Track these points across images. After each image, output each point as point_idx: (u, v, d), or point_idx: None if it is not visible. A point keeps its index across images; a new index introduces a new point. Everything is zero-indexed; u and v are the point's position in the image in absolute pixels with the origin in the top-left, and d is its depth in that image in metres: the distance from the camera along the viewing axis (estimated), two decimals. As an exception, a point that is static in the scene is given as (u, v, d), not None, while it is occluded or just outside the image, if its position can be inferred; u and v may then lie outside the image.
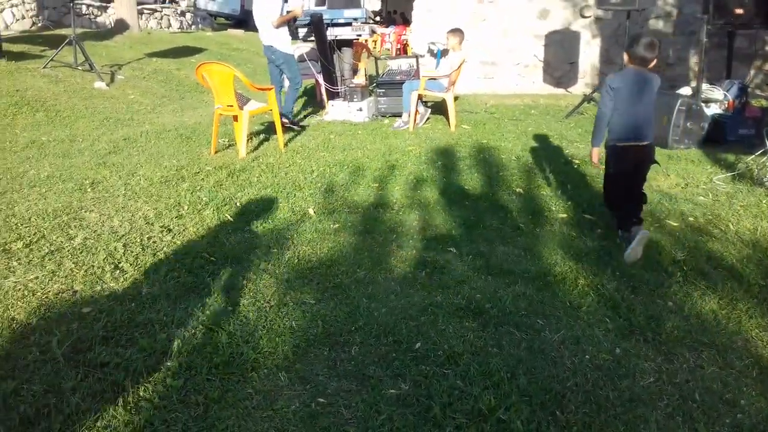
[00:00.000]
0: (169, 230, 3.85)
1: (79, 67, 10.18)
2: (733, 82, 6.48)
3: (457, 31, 7.66)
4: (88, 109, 8.19)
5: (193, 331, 2.64)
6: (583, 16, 10.31)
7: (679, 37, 9.94)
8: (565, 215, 4.41)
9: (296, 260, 3.47)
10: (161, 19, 18.66)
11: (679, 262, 3.63)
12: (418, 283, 3.25)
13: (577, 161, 5.73)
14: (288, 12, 7.26)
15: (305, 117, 8.43)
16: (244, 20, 22.22)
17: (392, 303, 2.99)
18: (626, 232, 3.85)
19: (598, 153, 4.07)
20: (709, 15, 6.18)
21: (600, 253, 3.74)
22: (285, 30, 7.18)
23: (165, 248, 3.55)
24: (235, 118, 6.25)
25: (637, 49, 3.79)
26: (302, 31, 7.95)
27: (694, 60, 9.71)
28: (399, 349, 2.57)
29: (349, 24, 7.95)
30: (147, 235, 3.72)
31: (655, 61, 3.82)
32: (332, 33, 7.98)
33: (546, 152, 6.11)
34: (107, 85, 9.71)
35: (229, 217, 4.19)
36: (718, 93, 6.32)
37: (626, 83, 3.86)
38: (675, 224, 4.25)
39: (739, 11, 5.89)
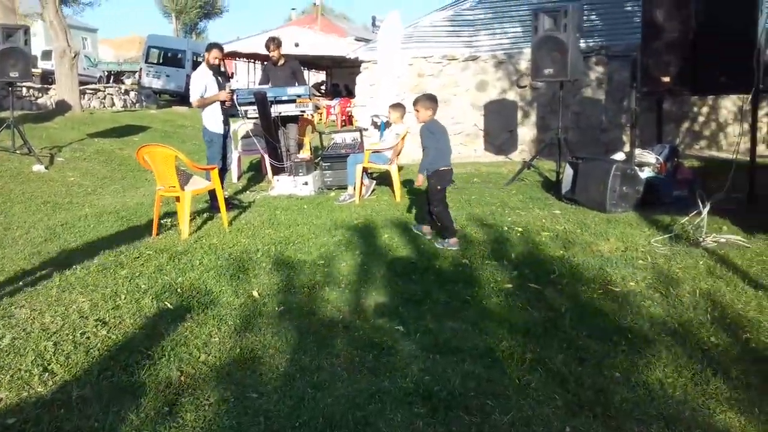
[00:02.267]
0: (105, 323, 3.69)
1: (17, 151, 9.98)
2: (664, 145, 6.77)
3: (398, 106, 7.85)
4: (25, 194, 7.99)
5: (125, 437, 2.49)
6: (519, 87, 10.72)
7: (611, 104, 10.40)
8: (510, 285, 4.42)
9: (238, 350, 3.35)
10: (104, 98, 18.63)
11: (624, 330, 3.65)
12: (365, 368, 3.17)
13: (519, 229, 5.82)
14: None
15: (251, 193, 8.38)
16: (188, 96, 22.38)
17: (338, 391, 2.90)
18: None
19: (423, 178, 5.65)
20: (637, 83, 6.48)
21: (546, 324, 3.74)
22: (211, 110, 7.14)
23: (99, 344, 3.38)
24: (178, 198, 6.16)
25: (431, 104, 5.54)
26: (246, 109, 8.00)
27: (626, 124, 10.13)
28: (345, 445, 2.47)
29: (293, 101, 8.05)
30: (80, 331, 3.55)
31: None
32: (276, 110, 8.05)
33: (489, 221, 6.19)
34: (46, 167, 9.52)
35: (168, 305, 4.05)
36: (650, 156, 6.58)
37: (438, 128, 5.56)
38: (617, 290, 4.30)
39: (666, 78, 6.20)
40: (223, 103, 7.20)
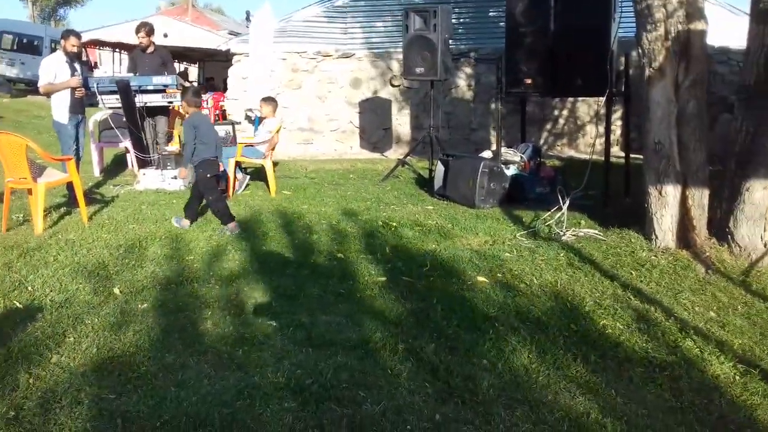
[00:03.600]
0: (-61, 326, 3.31)
1: None
2: (527, 144, 7.11)
3: (270, 100, 7.71)
4: None
5: (-40, 449, 2.23)
6: (393, 86, 10.87)
7: (479, 104, 10.81)
8: (384, 278, 4.45)
9: (95, 349, 3.12)
10: (-54, 84, 16.87)
11: (491, 319, 3.77)
12: (234, 364, 3.06)
13: (394, 224, 5.88)
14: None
15: (114, 187, 7.88)
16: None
17: (204, 389, 2.76)
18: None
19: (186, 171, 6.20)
20: (502, 84, 6.76)
21: (418, 315, 3.80)
22: (59, 97, 6.66)
23: (-69, 350, 3.03)
24: (30, 191, 5.68)
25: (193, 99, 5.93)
26: (107, 98, 7.52)
27: (493, 125, 10.56)
28: (210, 443, 2.36)
29: (160, 91, 7.68)
30: None
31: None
32: (141, 99, 7.64)
33: (364, 216, 6.22)
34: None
35: (18, 304, 3.72)
36: (515, 155, 6.89)
37: (202, 121, 5.83)
38: (485, 281, 4.45)
39: (528, 81, 6.51)
40: (73, 91, 6.71)
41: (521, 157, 6.88)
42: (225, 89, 22.80)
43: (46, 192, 5.77)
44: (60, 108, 6.61)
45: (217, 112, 19.52)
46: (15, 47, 23.70)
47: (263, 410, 2.61)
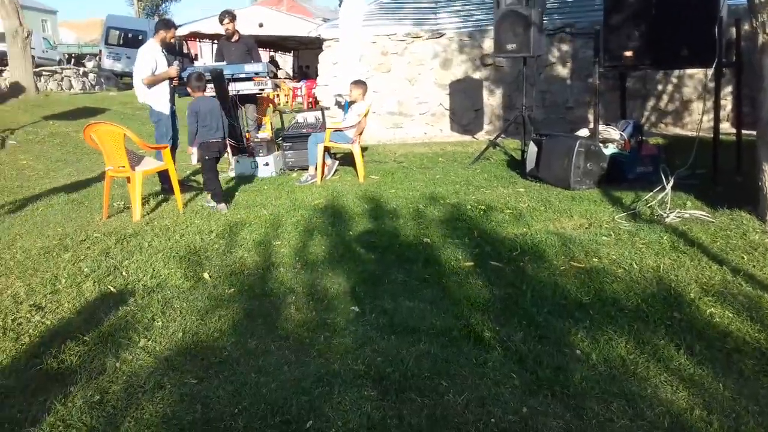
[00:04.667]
0: (40, 308, 3.47)
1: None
2: (628, 121, 6.68)
3: (359, 83, 7.64)
4: (-30, 177, 7.64)
5: (48, 429, 2.29)
6: (485, 65, 10.57)
7: (576, 81, 10.31)
8: (471, 263, 4.29)
9: (181, 334, 3.17)
10: (62, 80, 18.06)
11: (585, 306, 3.55)
12: (315, 350, 3.01)
13: (482, 207, 5.69)
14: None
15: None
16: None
17: (284, 376, 2.73)
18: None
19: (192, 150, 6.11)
20: (600, 58, 6.38)
21: (507, 302, 3.62)
22: (160, 88, 6.85)
23: (31, 330, 3.17)
24: (129, 179, 5.91)
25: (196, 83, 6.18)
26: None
27: (591, 101, 10.05)
28: (288, 431, 2.31)
29: (250, 78, 7.81)
30: (12, 317, 3.33)
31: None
32: (234, 88, 7.80)
33: (453, 199, 6.06)
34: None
35: (112, 288, 3.84)
36: (614, 133, 6.48)
37: (204, 105, 6.07)
38: (580, 266, 4.20)
39: (628, 54, 6.10)
40: (171, 80, 6.91)
41: (621, 135, 6.46)
42: (316, 76, 23.24)
43: (145, 180, 5.98)
44: (162, 98, 6.80)
45: (310, 99, 19.88)
46: (121, 42, 24.97)
47: (341, 398, 2.54)
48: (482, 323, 3.32)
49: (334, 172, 7.80)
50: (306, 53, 30.87)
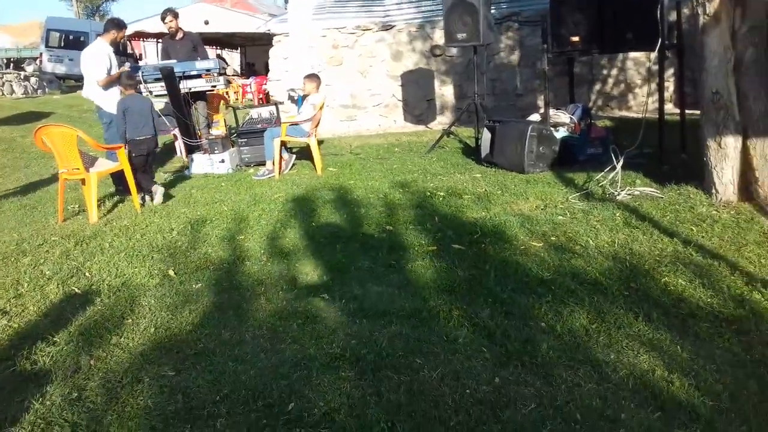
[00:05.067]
0: (5, 313, 3.42)
1: None
2: (577, 105, 6.88)
3: (313, 76, 7.66)
4: None
5: (30, 427, 2.29)
6: (435, 56, 10.69)
7: (524, 68, 10.53)
8: (435, 248, 4.39)
9: (153, 329, 3.17)
10: (2, 85, 17.48)
11: (547, 282, 3.68)
12: (289, 337, 3.06)
13: (441, 193, 5.80)
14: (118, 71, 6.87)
15: (164, 174, 8.02)
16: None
17: (261, 363, 2.77)
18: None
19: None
20: (548, 45, 6.55)
21: (471, 282, 3.73)
22: (113, 89, 6.76)
23: (-1, 334, 3.13)
24: (83, 181, 5.81)
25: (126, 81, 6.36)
26: (152, 87, 7.62)
27: (540, 88, 10.28)
28: (270, 414, 2.36)
29: (200, 76, 7.74)
30: (-24, 322, 3.28)
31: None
32: (186, 85, 7.72)
33: (412, 187, 6.15)
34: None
35: (76, 289, 3.80)
36: (564, 117, 6.68)
37: (132, 104, 6.12)
38: (539, 245, 4.34)
39: (575, 39, 6.28)
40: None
41: (571, 119, 6.67)
42: (267, 73, 23.07)
43: (99, 181, 5.89)
44: (111, 99, 6.69)
45: (260, 96, 19.74)
46: (62, 44, 24.23)
47: (320, 380, 2.60)
48: (450, 303, 3.42)
49: (292, 166, 7.80)
50: (253, 49, 30.56)
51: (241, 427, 2.29)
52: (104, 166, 5.95)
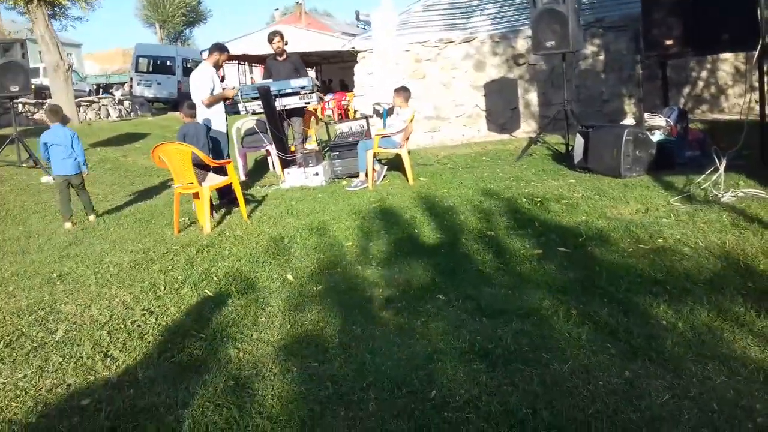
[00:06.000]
0: (151, 312, 3.74)
1: (24, 165, 10.00)
2: (672, 108, 6.82)
3: (402, 90, 7.88)
4: (38, 204, 8.01)
5: (200, 409, 2.54)
6: (518, 64, 10.76)
7: (610, 74, 10.45)
8: (540, 251, 4.48)
9: (288, 326, 3.41)
10: (99, 109, 18.62)
11: (661, 282, 3.71)
12: (416, 333, 3.23)
13: (538, 199, 5.87)
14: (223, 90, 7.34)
15: (261, 188, 8.40)
16: (181, 102, 22.32)
17: (396, 355, 2.95)
18: None
19: None
20: (641, 48, 6.53)
21: (584, 283, 3.80)
22: (217, 108, 7.20)
23: (151, 330, 3.44)
24: (196, 195, 6.19)
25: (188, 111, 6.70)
26: (250, 105, 8.03)
27: (627, 93, 10.17)
28: (416, 400, 2.53)
29: (296, 93, 8.08)
30: (130, 320, 3.60)
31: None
32: (281, 103, 8.08)
33: (506, 194, 6.24)
34: (54, 178, 9.53)
35: (208, 292, 4.10)
36: (660, 120, 6.63)
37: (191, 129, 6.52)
38: (646, 247, 4.36)
39: (669, 42, 6.25)
40: (225, 101, 7.26)
41: (667, 121, 6.61)
42: (342, 89, 23.57)
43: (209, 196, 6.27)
44: (219, 117, 7.15)
45: (339, 112, 20.24)
46: (150, 69, 25.60)
47: (455, 372, 2.75)
48: (566, 303, 3.50)
49: (383, 177, 8.03)
50: (328, 67, 31.34)
51: (391, 410, 2.46)
52: (215, 180, 6.32)
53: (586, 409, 2.41)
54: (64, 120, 7.32)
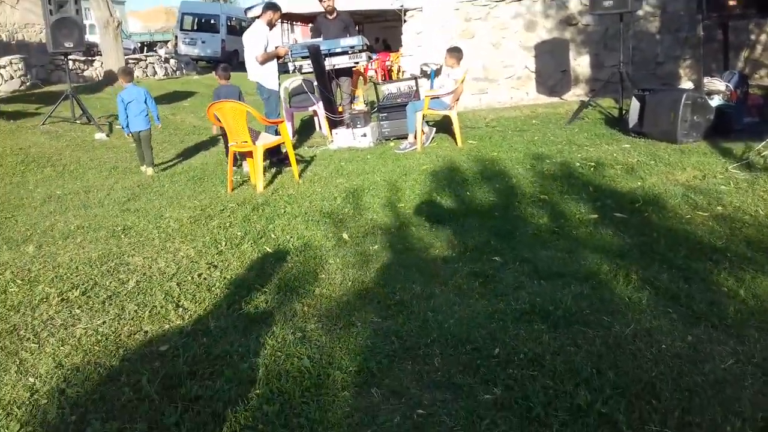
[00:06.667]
0: (215, 266, 3.87)
1: (78, 121, 10.24)
2: (733, 72, 6.63)
3: (455, 50, 7.79)
4: (94, 160, 8.22)
5: (272, 358, 2.65)
6: (570, 25, 10.51)
7: (666, 35, 10.15)
8: (596, 216, 4.46)
9: (349, 283, 3.49)
10: (146, 67, 18.83)
11: (721, 249, 3.68)
12: (475, 293, 3.28)
13: (592, 164, 5.81)
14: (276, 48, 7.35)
15: (309, 148, 8.47)
16: (226, 61, 22.39)
17: (458, 314, 3.01)
18: None
19: None
20: (703, 9, 6.33)
21: (642, 248, 3.79)
22: (270, 66, 7.23)
23: (217, 283, 3.57)
24: (250, 153, 6.29)
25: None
26: (299, 64, 8.03)
27: (683, 56, 9.88)
28: (480, 356, 2.59)
29: (345, 53, 8.05)
30: (196, 273, 3.74)
31: None
32: (330, 62, 8.07)
33: (559, 158, 6.19)
34: (107, 135, 9.76)
35: (268, 248, 4.21)
36: (720, 84, 6.45)
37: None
38: (704, 214, 4.32)
39: (733, 2, 6.05)
40: (277, 59, 7.29)
41: (727, 86, 6.43)
42: (386, 49, 23.33)
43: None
44: (271, 76, 7.20)
45: (383, 72, 20.09)
46: (195, 27, 25.68)
47: (517, 331, 2.80)
48: (625, 267, 3.50)
49: (432, 139, 8.01)
50: (371, 27, 31.01)
51: (457, 365, 2.53)
52: (268, 139, 6.40)
53: (650, 371, 2.44)
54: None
